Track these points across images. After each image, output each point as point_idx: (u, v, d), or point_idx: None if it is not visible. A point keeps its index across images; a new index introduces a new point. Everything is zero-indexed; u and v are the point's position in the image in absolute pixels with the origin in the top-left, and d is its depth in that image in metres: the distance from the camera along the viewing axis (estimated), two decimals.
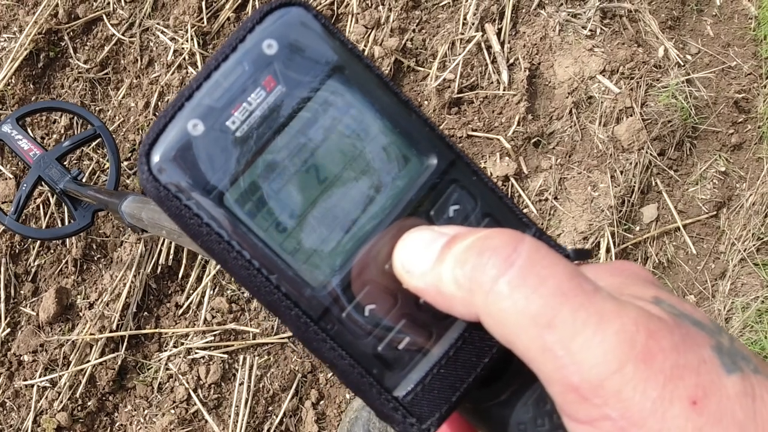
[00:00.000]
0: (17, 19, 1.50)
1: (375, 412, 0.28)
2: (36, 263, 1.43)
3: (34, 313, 1.40)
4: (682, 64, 1.59)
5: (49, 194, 1.44)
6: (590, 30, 1.55)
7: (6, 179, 1.44)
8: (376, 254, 0.27)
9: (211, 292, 1.42)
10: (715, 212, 1.58)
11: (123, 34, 1.51)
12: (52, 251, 1.44)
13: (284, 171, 0.27)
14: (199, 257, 1.43)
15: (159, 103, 1.50)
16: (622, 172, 1.50)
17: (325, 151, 0.27)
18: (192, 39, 1.49)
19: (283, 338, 1.42)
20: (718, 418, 0.21)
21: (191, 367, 1.38)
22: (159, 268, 1.41)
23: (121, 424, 1.38)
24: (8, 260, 1.41)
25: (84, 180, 1.34)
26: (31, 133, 1.40)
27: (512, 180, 1.49)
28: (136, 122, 1.49)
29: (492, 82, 1.52)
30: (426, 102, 1.49)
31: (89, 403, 1.36)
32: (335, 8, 1.53)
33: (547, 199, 1.51)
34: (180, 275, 1.42)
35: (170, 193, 0.26)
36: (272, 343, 1.41)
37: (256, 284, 0.27)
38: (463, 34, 1.52)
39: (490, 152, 1.50)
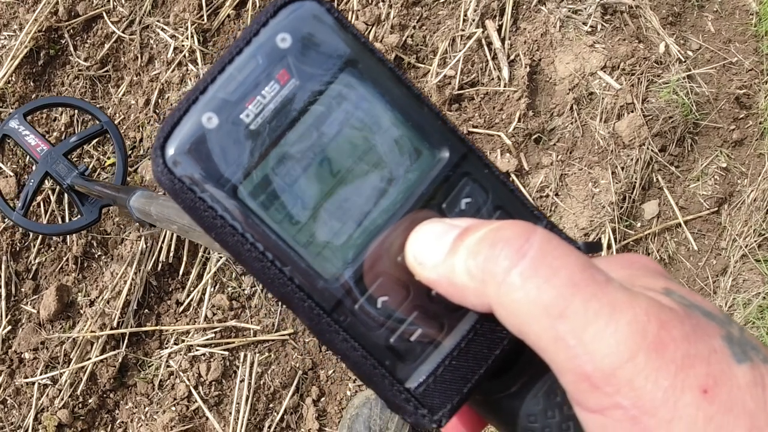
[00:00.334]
0: (17, 16, 1.50)
1: (386, 403, 0.28)
2: (37, 261, 1.43)
3: (35, 311, 1.40)
4: (683, 60, 1.59)
5: (50, 191, 1.44)
6: (591, 26, 1.54)
7: (6, 177, 1.44)
8: (389, 247, 0.28)
9: (212, 290, 1.42)
10: (716, 208, 1.57)
11: (123, 32, 1.51)
12: (52, 249, 1.44)
13: (297, 164, 0.27)
14: (200, 254, 1.43)
15: (159, 100, 1.49)
16: (623, 168, 1.50)
17: (338, 144, 0.27)
18: (192, 36, 1.49)
19: (283, 335, 1.41)
20: (728, 406, 0.21)
21: (192, 364, 1.38)
22: (160, 265, 1.41)
23: (122, 422, 1.38)
24: (9, 258, 1.41)
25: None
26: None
27: (513, 176, 1.49)
28: (137, 120, 1.49)
29: (492, 79, 1.52)
30: None
31: (90, 401, 1.36)
32: (335, 5, 1.53)
33: (548, 196, 1.50)
34: (181, 272, 1.42)
35: (185, 186, 0.26)
36: (273, 340, 1.41)
37: (270, 276, 0.27)
38: (463, 30, 1.52)
39: (491, 148, 1.50)
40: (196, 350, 1.39)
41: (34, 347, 1.38)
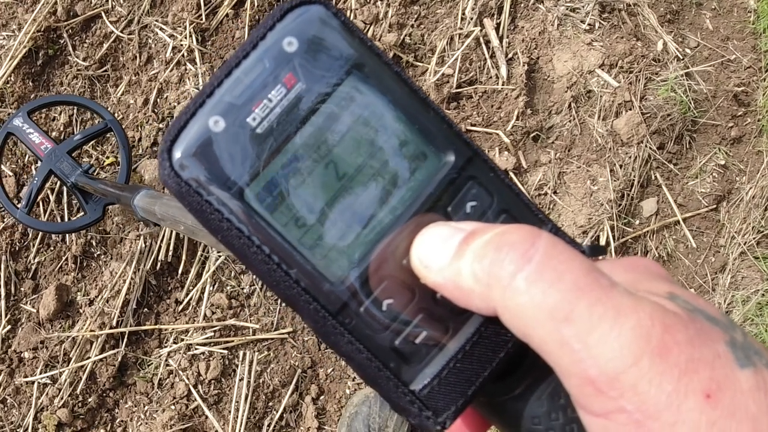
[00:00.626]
0: (16, 17, 1.51)
1: (391, 405, 0.28)
2: (36, 260, 1.43)
3: (35, 310, 1.40)
4: (681, 57, 1.59)
5: (49, 191, 1.44)
6: (589, 24, 1.54)
7: (6, 177, 1.44)
8: (394, 250, 0.28)
9: (211, 288, 1.42)
10: (714, 206, 1.57)
11: (122, 32, 1.52)
12: (51, 248, 1.44)
13: (303, 167, 0.27)
14: (199, 253, 1.43)
15: (158, 99, 1.50)
16: (621, 166, 1.50)
17: (344, 147, 0.27)
18: (191, 36, 1.49)
19: (282, 334, 1.42)
20: (731, 411, 0.21)
21: (191, 363, 1.38)
22: (159, 264, 1.41)
23: (122, 420, 1.38)
24: (8, 257, 1.41)
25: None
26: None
27: (511, 174, 1.49)
28: (136, 119, 1.49)
29: (491, 77, 1.52)
30: None
31: (90, 400, 1.36)
32: (334, 4, 1.53)
33: (546, 194, 1.51)
34: (180, 271, 1.42)
35: (191, 189, 0.26)
36: (272, 339, 1.42)
37: (276, 279, 0.27)
38: (461, 29, 1.52)
39: (489, 147, 1.50)
40: (196, 349, 1.39)
41: (33, 346, 1.38)
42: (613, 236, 1.48)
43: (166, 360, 1.39)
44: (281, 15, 0.27)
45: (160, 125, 1.48)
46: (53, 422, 1.33)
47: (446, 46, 1.52)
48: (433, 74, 1.49)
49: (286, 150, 0.27)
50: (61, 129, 1.48)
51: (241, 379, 1.38)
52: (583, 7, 1.55)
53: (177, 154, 0.26)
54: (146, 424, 1.37)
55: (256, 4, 1.51)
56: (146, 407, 1.38)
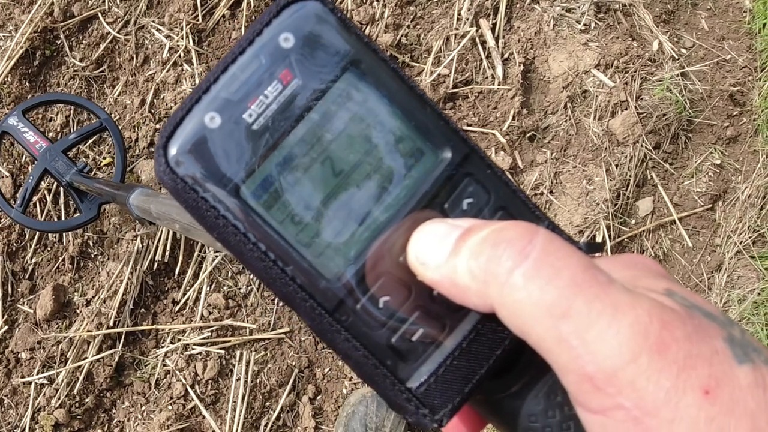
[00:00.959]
0: (13, 17, 1.51)
1: (388, 402, 0.28)
2: (33, 261, 1.43)
3: (32, 311, 1.40)
4: (677, 57, 1.60)
5: (46, 191, 1.44)
6: (584, 24, 1.55)
7: (3, 177, 1.44)
8: (391, 247, 0.28)
9: (208, 289, 1.42)
10: (710, 205, 1.58)
11: (118, 32, 1.52)
12: (48, 249, 1.44)
13: (300, 163, 0.27)
14: (196, 253, 1.43)
15: (155, 100, 1.50)
16: (617, 166, 1.50)
17: (341, 144, 0.27)
18: (187, 36, 1.50)
19: (279, 334, 1.42)
20: (730, 407, 0.21)
21: (188, 363, 1.39)
22: (155, 264, 1.41)
23: (119, 421, 1.39)
24: (5, 258, 1.41)
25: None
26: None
27: (507, 174, 1.49)
28: (132, 120, 1.49)
29: (487, 77, 1.52)
30: None
31: (87, 400, 1.37)
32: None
33: (542, 193, 1.51)
34: (177, 272, 1.42)
35: (187, 186, 0.26)
36: (269, 339, 1.42)
37: (272, 276, 0.27)
38: (457, 29, 1.53)
39: (486, 147, 1.50)
40: (193, 349, 1.39)
41: (30, 347, 1.38)
42: (609, 236, 1.48)
43: (163, 360, 1.39)
44: (278, 11, 0.27)
45: (157, 126, 1.48)
46: (50, 423, 1.33)
47: (442, 46, 1.52)
48: (430, 74, 1.50)
49: (282, 147, 0.27)
50: (58, 129, 1.48)
51: (238, 379, 1.39)
52: (578, 7, 1.56)
53: (173, 150, 0.26)
54: (143, 424, 1.37)
55: (252, 5, 1.52)
56: (143, 407, 1.38)
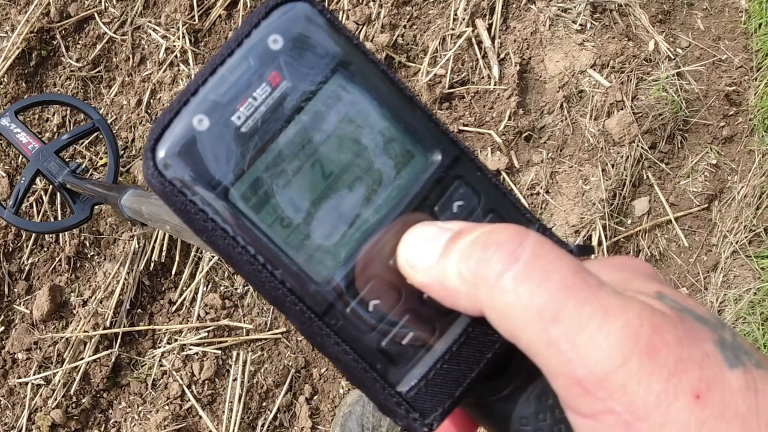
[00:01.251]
0: (9, 18, 1.51)
1: (378, 406, 0.28)
2: (29, 261, 1.43)
3: (28, 311, 1.40)
4: (673, 57, 1.60)
5: (43, 192, 1.44)
6: (580, 24, 1.55)
7: None
8: (380, 250, 0.27)
9: (204, 289, 1.42)
10: (706, 205, 1.58)
11: (115, 33, 1.52)
12: (45, 249, 1.44)
13: (289, 166, 0.27)
14: (192, 254, 1.43)
15: (151, 100, 1.50)
16: (613, 166, 1.51)
17: (330, 146, 0.27)
18: (184, 37, 1.50)
19: (276, 334, 1.42)
20: (721, 411, 0.21)
21: (185, 363, 1.39)
22: (152, 265, 1.41)
23: (116, 421, 1.39)
24: (2, 258, 1.41)
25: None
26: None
27: (504, 174, 1.49)
28: (129, 120, 1.49)
29: (483, 77, 1.52)
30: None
31: (83, 401, 1.37)
32: (326, 5, 1.54)
33: (538, 193, 1.51)
34: (173, 272, 1.42)
35: (175, 189, 0.26)
36: (265, 339, 1.42)
37: (261, 279, 0.27)
38: (453, 29, 1.53)
39: (482, 147, 1.50)
40: (189, 349, 1.39)
41: (27, 347, 1.38)
42: (606, 235, 1.49)
43: (159, 360, 1.39)
44: (266, 12, 0.26)
45: None
46: (47, 423, 1.33)
47: (438, 46, 1.52)
48: (426, 75, 1.50)
49: (271, 149, 0.26)
50: (54, 130, 1.48)
51: (235, 380, 1.39)
52: (574, 7, 1.56)
53: (161, 153, 0.26)
54: (140, 424, 1.37)
55: (249, 5, 1.52)
56: (140, 408, 1.38)
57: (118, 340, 1.39)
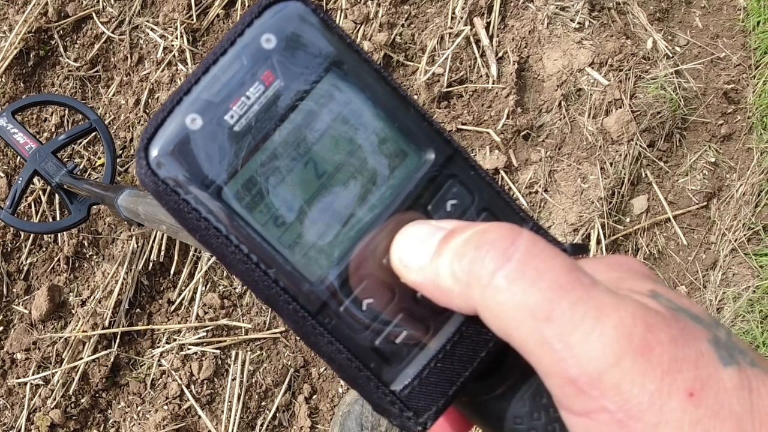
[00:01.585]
0: (7, 18, 1.51)
1: (372, 405, 0.28)
2: (28, 261, 1.43)
3: (27, 311, 1.40)
4: (671, 55, 1.60)
5: (41, 192, 1.44)
6: (579, 23, 1.55)
7: None
8: (374, 249, 0.27)
9: (203, 288, 1.42)
10: (705, 203, 1.58)
11: (113, 32, 1.52)
12: (44, 249, 1.44)
13: (282, 165, 0.27)
14: (191, 253, 1.43)
15: (149, 100, 1.50)
16: (611, 164, 1.51)
17: (323, 145, 0.27)
18: (182, 36, 1.50)
19: (275, 333, 1.42)
20: (715, 410, 0.21)
21: (184, 363, 1.39)
22: (151, 264, 1.41)
23: (115, 421, 1.39)
24: (0, 258, 1.41)
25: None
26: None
27: (502, 173, 1.49)
28: (127, 120, 1.49)
29: (481, 76, 1.52)
30: (415, 96, 1.50)
31: (82, 401, 1.37)
32: (324, 4, 1.54)
33: (537, 192, 1.51)
34: (172, 272, 1.42)
35: (168, 188, 0.26)
36: (264, 339, 1.42)
37: (254, 278, 0.27)
38: (451, 28, 1.53)
39: (480, 145, 1.50)
40: (188, 349, 1.39)
41: (26, 347, 1.38)
42: (604, 234, 1.49)
43: (158, 360, 1.39)
44: (259, 11, 0.26)
45: None
46: (46, 423, 1.33)
47: (437, 45, 1.52)
48: (424, 73, 1.50)
49: (264, 148, 0.26)
50: (52, 130, 1.48)
51: (234, 379, 1.39)
52: (572, 5, 1.56)
53: (154, 152, 0.26)
54: (139, 424, 1.37)
55: (246, 5, 1.51)
56: (139, 407, 1.38)
57: (117, 340, 1.39)
